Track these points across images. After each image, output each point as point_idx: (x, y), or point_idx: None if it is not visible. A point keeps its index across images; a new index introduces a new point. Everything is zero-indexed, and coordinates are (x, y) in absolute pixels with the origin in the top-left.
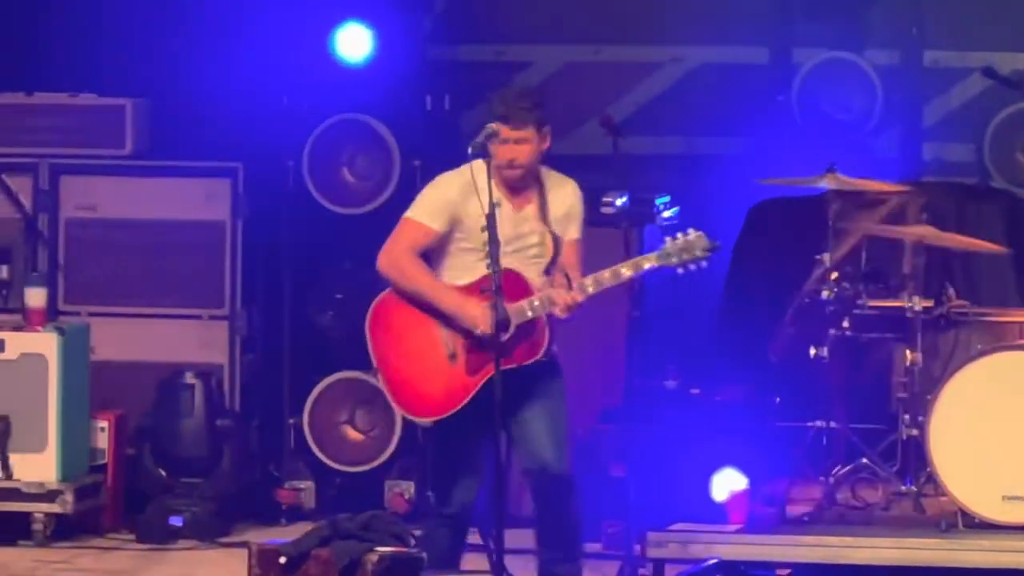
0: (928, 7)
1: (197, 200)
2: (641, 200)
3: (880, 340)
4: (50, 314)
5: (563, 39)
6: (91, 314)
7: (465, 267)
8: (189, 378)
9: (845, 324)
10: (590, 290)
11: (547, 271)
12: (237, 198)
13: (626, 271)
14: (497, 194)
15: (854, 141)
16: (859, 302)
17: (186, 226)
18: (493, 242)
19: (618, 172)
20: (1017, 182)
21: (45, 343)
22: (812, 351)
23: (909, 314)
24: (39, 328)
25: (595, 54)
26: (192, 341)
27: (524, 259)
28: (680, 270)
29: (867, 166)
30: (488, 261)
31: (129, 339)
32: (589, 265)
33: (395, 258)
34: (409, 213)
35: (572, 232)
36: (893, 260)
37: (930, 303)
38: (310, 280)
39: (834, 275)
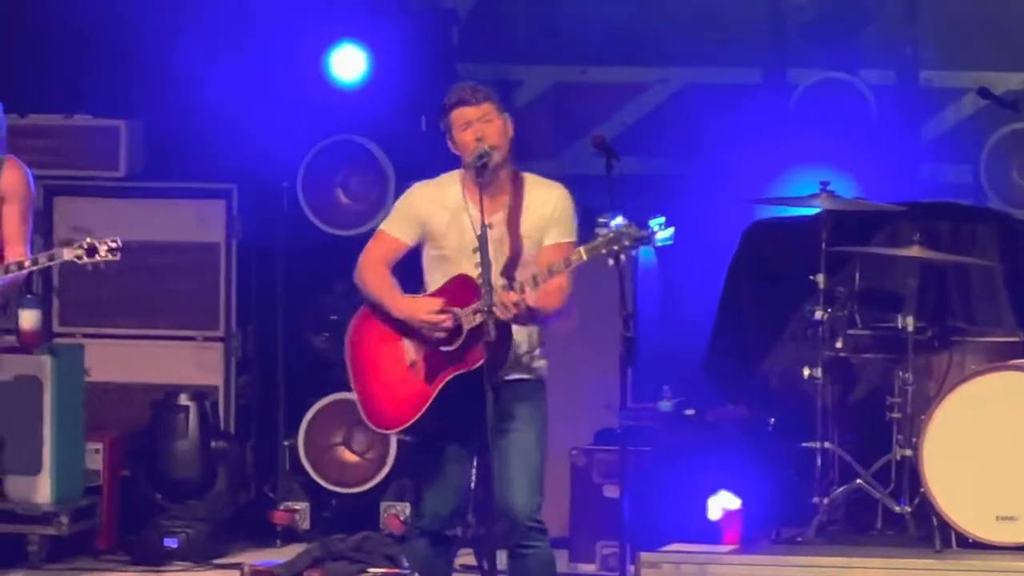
0: (923, 27)
1: (191, 222)
2: (635, 221)
3: (874, 360)
4: (44, 336)
5: (552, 59)
6: (85, 336)
7: (443, 274)
8: (184, 400)
9: (839, 345)
10: (527, 288)
11: (506, 274)
12: (231, 219)
13: (559, 268)
14: (468, 203)
15: (849, 161)
16: (853, 322)
17: (181, 248)
18: (485, 264)
19: (610, 193)
20: (1012, 202)
21: (39, 365)
22: (806, 372)
23: (903, 334)
24: (33, 350)
25: (582, 74)
26: (187, 363)
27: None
28: (611, 261)
29: (862, 186)
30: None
31: (124, 361)
32: (585, 287)
33: (360, 269)
34: (382, 224)
35: (553, 236)
36: (887, 281)
37: (924, 323)
38: (305, 301)
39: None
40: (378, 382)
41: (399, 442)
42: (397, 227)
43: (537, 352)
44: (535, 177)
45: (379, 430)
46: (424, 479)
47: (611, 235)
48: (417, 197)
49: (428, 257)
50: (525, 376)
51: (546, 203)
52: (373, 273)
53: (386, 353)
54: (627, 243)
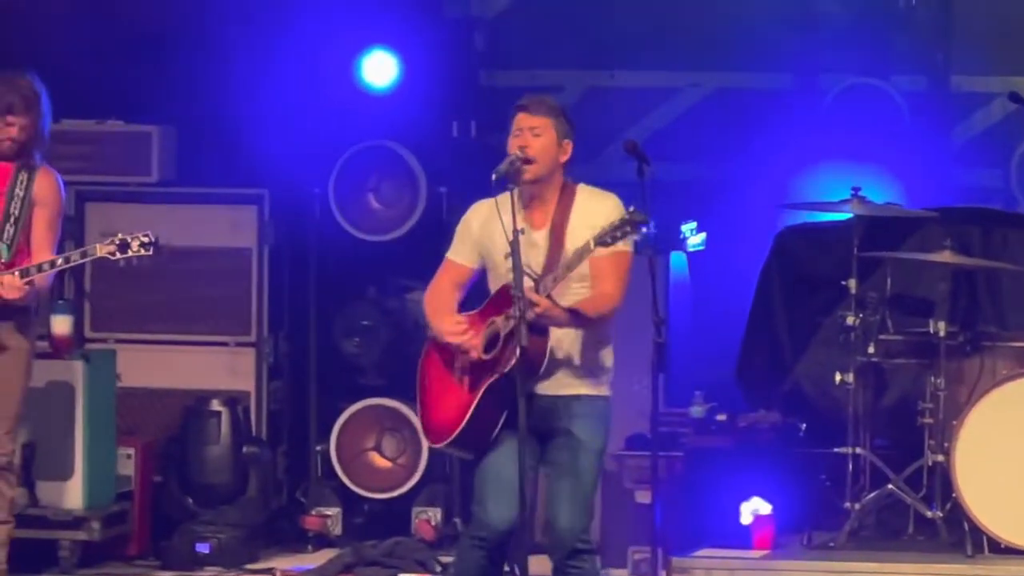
0: (954, 32)
1: (223, 227)
2: (666, 226)
3: (905, 365)
4: (76, 341)
5: (581, 64)
6: (118, 341)
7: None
8: (216, 405)
9: (871, 350)
10: (550, 286)
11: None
12: (263, 225)
13: (575, 260)
14: (500, 210)
15: (880, 166)
16: (884, 328)
17: (212, 253)
18: (517, 269)
19: (640, 198)
20: None
21: (71, 371)
22: (838, 377)
23: (934, 339)
24: (65, 356)
25: (611, 78)
26: (219, 368)
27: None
28: (617, 244)
29: (893, 191)
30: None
31: (155, 366)
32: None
33: (426, 294)
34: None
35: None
36: (918, 286)
37: (955, 328)
38: (336, 306)
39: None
40: (433, 399)
41: (431, 448)
42: (456, 251)
43: (601, 367)
44: (588, 188)
45: (432, 445)
46: (480, 488)
47: (615, 223)
48: (471, 218)
49: (489, 277)
50: (587, 392)
51: (597, 214)
52: (432, 297)
53: (442, 372)
54: (628, 229)
